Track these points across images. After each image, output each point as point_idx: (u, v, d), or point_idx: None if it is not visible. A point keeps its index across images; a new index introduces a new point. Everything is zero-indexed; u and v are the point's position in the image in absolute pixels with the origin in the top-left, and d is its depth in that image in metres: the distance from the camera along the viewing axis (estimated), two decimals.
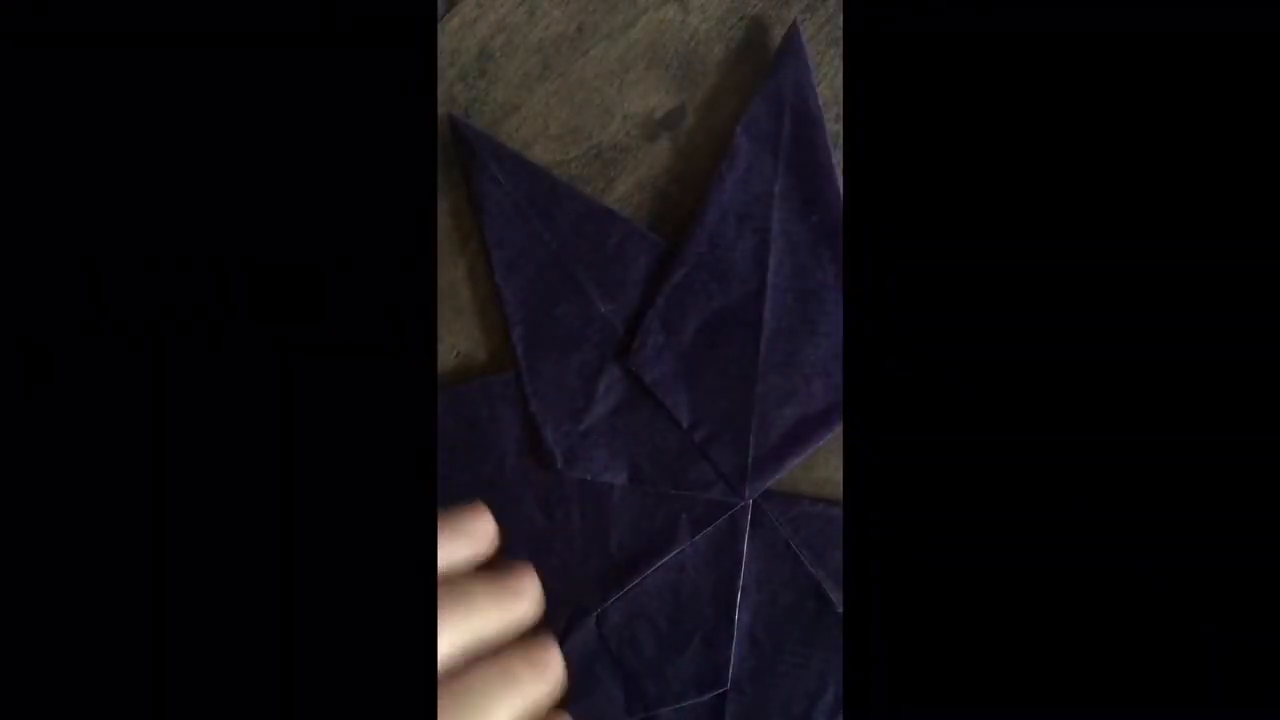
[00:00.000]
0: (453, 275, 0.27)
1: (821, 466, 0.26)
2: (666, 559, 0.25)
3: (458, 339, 0.27)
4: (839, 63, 0.26)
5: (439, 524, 0.23)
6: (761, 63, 0.26)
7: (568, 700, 0.25)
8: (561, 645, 0.24)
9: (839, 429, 0.25)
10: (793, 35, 0.26)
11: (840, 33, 0.26)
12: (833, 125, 0.26)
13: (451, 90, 0.27)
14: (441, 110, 0.27)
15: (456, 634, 0.22)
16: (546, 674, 0.23)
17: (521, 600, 0.24)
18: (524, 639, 0.24)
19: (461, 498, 0.25)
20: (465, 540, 0.24)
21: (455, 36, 0.27)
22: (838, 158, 0.26)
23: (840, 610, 0.25)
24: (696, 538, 0.25)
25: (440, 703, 0.20)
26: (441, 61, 0.27)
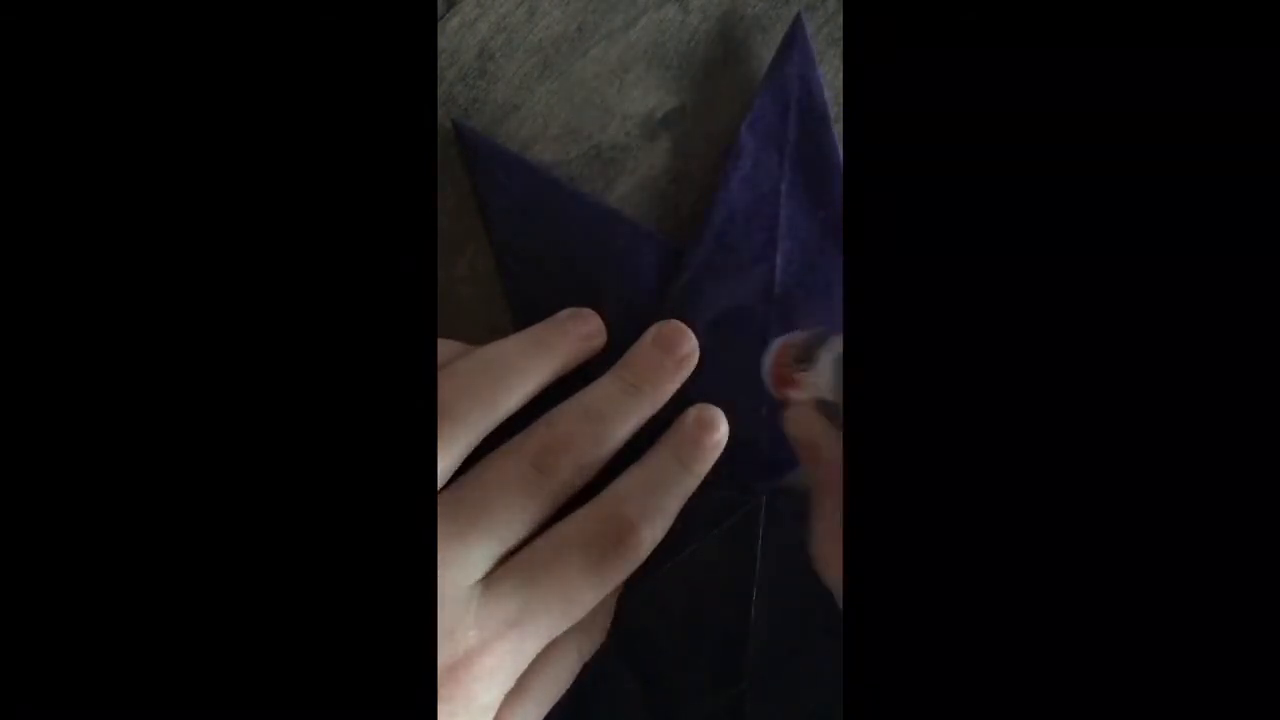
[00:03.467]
0: (453, 275, 0.27)
1: None
2: (681, 556, 0.25)
3: (458, 339, 0.27)
4: (839, 63, 0.26)
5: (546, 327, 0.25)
6: (762, 62, 0.26)
7: (585, 698, 0.25)
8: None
9: None
10: (797, 28, 0.25)
11: (840, 33, 0.26)
12: (833, 125, 0.26)
13: (451, 90, 0.27)
14: (441, 110, 0.27)
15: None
16: (714, 450, 0.25)
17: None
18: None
19: None
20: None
21: (455, 36, 0.27)
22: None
23: None
24: (711, 535, 0.25)
25: (631, 493, 0.23)
26: (441, 61, 0.27)
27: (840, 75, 0.26)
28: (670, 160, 0.27)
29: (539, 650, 0.22)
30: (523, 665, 0.22)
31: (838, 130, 0.26)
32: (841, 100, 0.26)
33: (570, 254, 0.26)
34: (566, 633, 0.23)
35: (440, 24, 0.27)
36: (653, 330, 0.25)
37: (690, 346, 0.25)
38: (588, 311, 0.25)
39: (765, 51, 0.26)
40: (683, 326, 0.25)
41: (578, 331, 0.25)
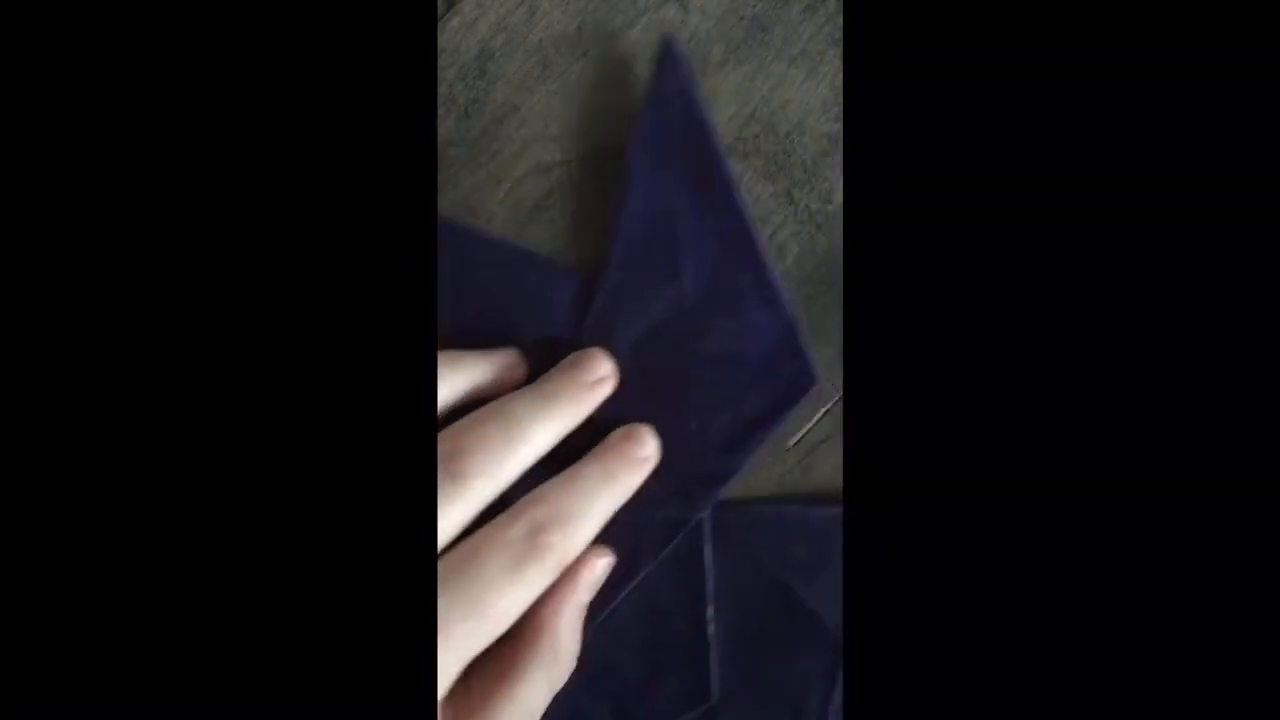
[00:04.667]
0: None
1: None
2: (635, 583, 0.25)
3: None
4: (839, 63, 0.26)
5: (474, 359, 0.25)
6: (762, 62, 0.26)
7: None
8: None
9: (780, 430, 0.26)
10: (666, 48, 0.26)
11: (840, 33, 0.26)
12: (833, 125, 0.26)
13: (451, 90, 0.27)
14: (441, 110, 0.27)
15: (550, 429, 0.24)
16: (642, 465, 0.25)
17: (600, 390, 0.25)
18: (617, 434, 0.25)
19: None
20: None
21: (455, 36, 0.27)
22: (836, 159, 0.26)
23: (810, 607, 0.25)
24: (660, 557, 0.25)
25: (549, 497, 0.23)
26: (441, 61, 0.27)
27: (840, 75, 0.26)
28: None
29: (462, 664, 0.22)
30: (444, 680, 0.21)
31: (837, 130, 0.26)
32: (841, 101, 0.26)
33: (489, 298, 0.26)
34: (535, 664, 0.23)
35: (440, 24, 0.27)
36: (569, 358, 0.25)
37: (605, 370, 0.25)
38: (593, 355, 0.25)
39: (765, 51, 0.26)
40: (597, 351, 0.25)
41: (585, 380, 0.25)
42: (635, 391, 0.25)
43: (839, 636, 0.25)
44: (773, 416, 0.25)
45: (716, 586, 0.25)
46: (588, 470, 0.24)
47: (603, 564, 0.24)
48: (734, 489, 0.26)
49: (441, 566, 0.22)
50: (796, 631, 0.25)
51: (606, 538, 0.25)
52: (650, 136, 0.26)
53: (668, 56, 0.26)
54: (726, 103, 0.27)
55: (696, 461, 0.25)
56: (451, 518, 0.22)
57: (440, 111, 0.27)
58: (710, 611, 0.25)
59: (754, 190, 0.27)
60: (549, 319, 0.26)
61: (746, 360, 0.25)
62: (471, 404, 0.24)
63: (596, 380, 0.25)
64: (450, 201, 0.27)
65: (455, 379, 0.24)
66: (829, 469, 0.26)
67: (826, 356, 0.26)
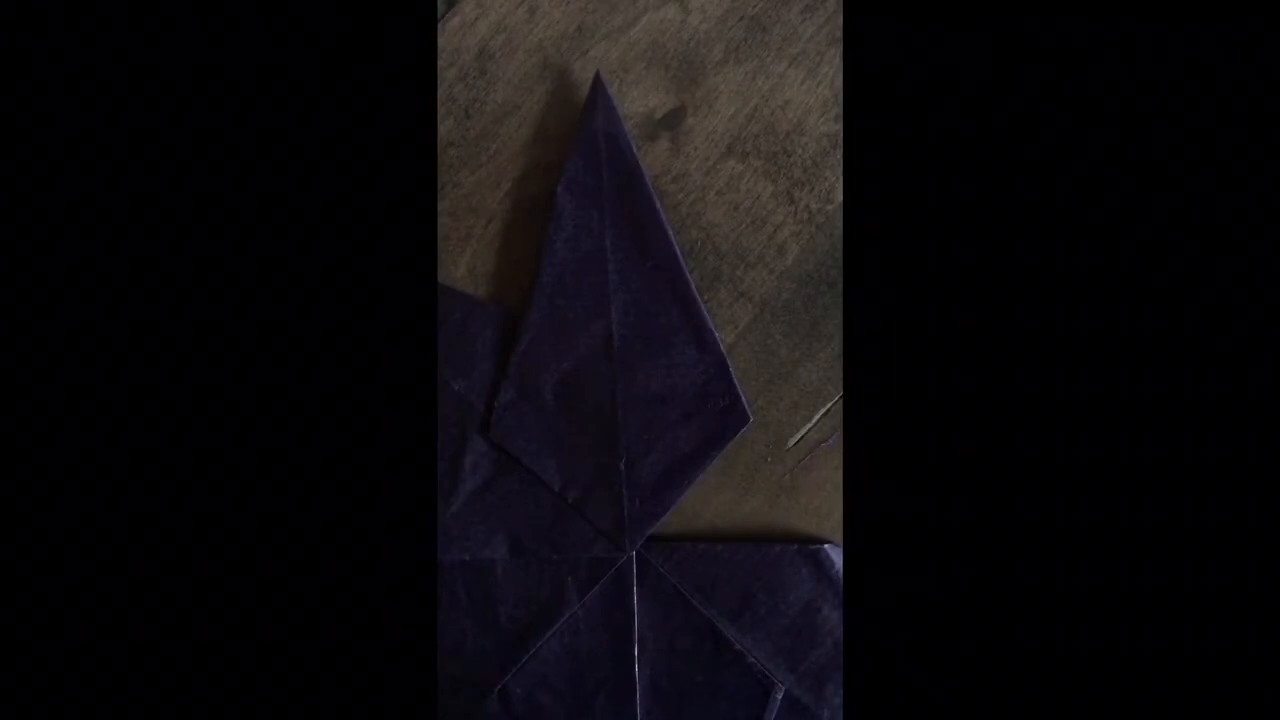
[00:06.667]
0: (453, 275, 0.27)
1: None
2: (559, 624, 0.26)
3: None
4: (839, 63, 0.26)
5: None
6: (762, 62, 0.26)
7: None
8: None
9: (710, 466, 0.26)
10: (597, 87, 0.26)
11: (840, 33, 0.26)
12: (833, 125, 0.26)
13: (451, 90, 0.27)
14: (441, 110, 0.27)
15: None
16: None
17: None
18: None
19: None
20: None
21: (455, 36, 0.27)
22: (836, 157, 0.26)
23: (737, 647, 0.26)
24: (586, 598, 0.26)
25: None
26: (441, 61, 0.27)
27: (840, 75, 0.26)
28: (670, 160, 0.27)
29: None
30: None
31: (837, 130, 0.26)
32: (841, 101, 0.26)
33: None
34: None
35: (440, 24, 0.27)
36: None
37: None
38: None
39: (765, 52, 0.26)
40: None
41: None
42: (563, 430, 0.25)
43: (765, 676, 0.25)
44: (704, 455, 0.26)
45: (643, 627, 0.26)
46: None
47: None
48: (726, 491, 0.26)
49: None
50: (723, 671, 0.25)
51: (532, 577, 0.25)
52: (578, 177, 0.26)
53: (597, 98, 0.26)
54: (726, 103, 0.27)
55: (625, 500, 0.26)
56: None
57: (440, 111, 0.27)
58: (636, 652, 0.26)
59: (754, 190, 0.27)
60: (472, 355, 0.26)
61: (677, 398, 0.26)
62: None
63: None
64: (450, 201, 0.27)
65: None
66: (829, 469, 0.26)
67: (826, 356, 0.26)
